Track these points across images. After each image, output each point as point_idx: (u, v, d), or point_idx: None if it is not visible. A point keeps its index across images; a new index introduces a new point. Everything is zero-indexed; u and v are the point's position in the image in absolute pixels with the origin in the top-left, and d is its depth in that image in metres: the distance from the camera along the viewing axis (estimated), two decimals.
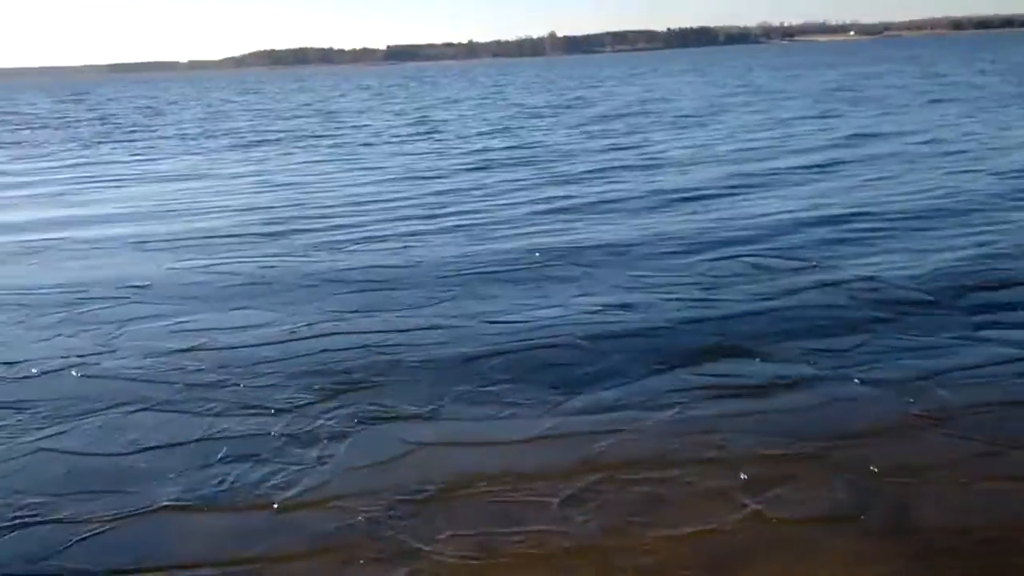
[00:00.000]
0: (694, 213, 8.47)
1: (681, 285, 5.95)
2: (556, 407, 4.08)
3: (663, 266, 6.49)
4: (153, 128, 24.23)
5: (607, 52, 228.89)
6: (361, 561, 2.97)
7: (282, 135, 20.22)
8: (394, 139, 18.10)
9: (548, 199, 9.70)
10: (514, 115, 23.79)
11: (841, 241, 7.01)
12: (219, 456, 3.72)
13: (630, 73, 57.91)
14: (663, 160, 12.53)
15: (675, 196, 9.44)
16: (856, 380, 4.20)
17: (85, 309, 5.92)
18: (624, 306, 5.53)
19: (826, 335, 4.81)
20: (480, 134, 18.39)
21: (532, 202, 9.55)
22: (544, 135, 17.39)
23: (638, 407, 4.03)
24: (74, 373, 4.72)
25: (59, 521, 3.22)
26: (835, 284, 5.80)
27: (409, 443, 3.77)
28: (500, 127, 19.94)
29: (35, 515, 3.26)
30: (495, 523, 3.14)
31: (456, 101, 32.95)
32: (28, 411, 4.19)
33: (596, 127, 18.63)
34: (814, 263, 6.37)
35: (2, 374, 4.67)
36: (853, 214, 7.98)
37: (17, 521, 3.22)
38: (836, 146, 13.13)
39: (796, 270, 6.23)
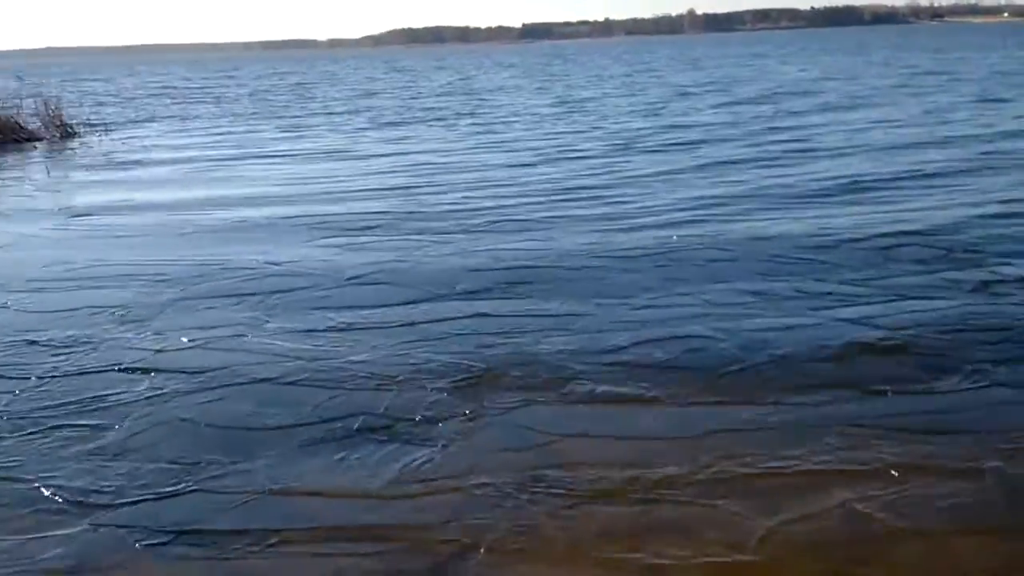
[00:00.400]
0: (857, 205, 7.96)
1: (862, 293, 5.50)
2: (696, 402, 4.01)
3: (835, 268, 5.96)
4: (300, 105, 24.98)
5: (747, 30, 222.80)
6: (487, 546, 2.98)
7: (424, 114, 20.49)
8: (535, 118, 18.07)
9: (695, 185, 9.37)
10: (658, 94, 23.30)
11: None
12: (352, 433, 3.82)
13: (777, 52, 55.92)
14: (817, 146, 11.97)
15: (834, 185, 8.94)
16: None
17: (230, 286, 6.15)
18: (760, 294, 5.37)
19: None
20: (624, 113, 18.17)
21: (677, 187, 9.27)
22: (690, 116, 16.94)
23: (782, 403, 3.93)
24: (220, 347, 4.94)
25: (203, 490, 3.39)
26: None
27: (544, 432, 3.75)
28: (644, 107, 19.62)
29: (181, 481, 3.44)
30: (630, 518, 3.12)
31: (598, 79, 32.63)
32: (177, 381, 4.42)
33: (745, 108, 17.96)
34: (1003, 261, 5.93)
35: (151, 346, 4.93)
36: None
37: (167, 487, 3.41)
38: (1009, 135, 12.18)
39: (976, 266, 5.83)
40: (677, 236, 7.01)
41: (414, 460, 3.52)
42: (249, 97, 29.38)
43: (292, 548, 2.98)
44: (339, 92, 31.13)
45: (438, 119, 19.10)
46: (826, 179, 9.32)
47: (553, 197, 9.02)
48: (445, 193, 9.48)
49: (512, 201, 8.87)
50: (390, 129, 17.03)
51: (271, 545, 2.99)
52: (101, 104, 26.97)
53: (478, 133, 15.62)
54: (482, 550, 2.93)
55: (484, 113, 19.91)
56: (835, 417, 3.78)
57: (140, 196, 10.09)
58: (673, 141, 13.17)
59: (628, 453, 3.53)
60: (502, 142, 14.16)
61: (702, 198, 8.58)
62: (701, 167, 10.57)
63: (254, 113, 22.38)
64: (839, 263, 6.05)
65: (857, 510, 3.08)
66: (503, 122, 17.50)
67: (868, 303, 5.21)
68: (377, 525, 3.09)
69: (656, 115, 17.51)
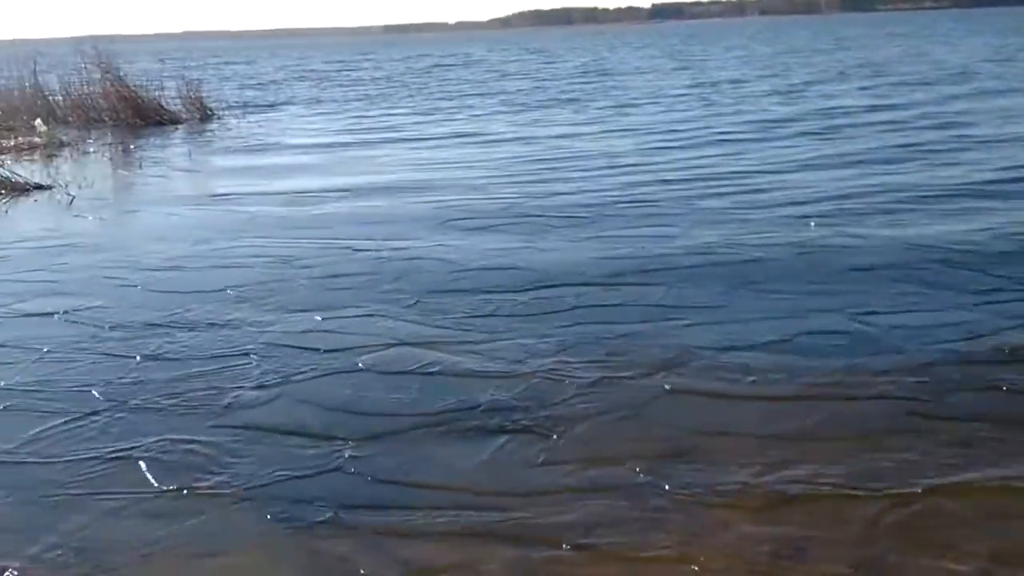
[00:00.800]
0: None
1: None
2: (822, 371, 4.05)
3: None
4: (435, 88, 25.22)
5: (888, 10, 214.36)
6: (622, 505, 3.07)
7: (558, 95, 20.46)
8: (670, 100, 17.82)
9: (835, 175, 8.95)
10: (802, 76, 22.55)
11: None
12: (478, 394, 3.99)
13: (923, 32, 53.55)
14: (974, 134, 11.34)
15: (995, 179, 8.39)
16: None
17: (360, 269, 6.29)
18: (913, 292, 5.16)
19: None
20: (762, 96, 17.74)
21: (816, 176, 8.91)
22: (834, 100, 16.30)
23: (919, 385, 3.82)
24: (354, 316, 5.20)
25: (337, 471, 3.48)
26: None
27: (683, 427, 3.73)
28: (785, 89, 19.08)
29: (314, 463, 3.53)
30: (755, 479, 3.19)
31: (735, 60, 31.88)
32: (308, 363, 4.54)
33: (900, 95, 16.91)
34: None
35: (283, 327, 5.10)
36: None
37: (299, 468, 3.51)
38: None
39: None
40: (815, 226, 6.80)
41: (547, 451, 3.51)
42: (385, 80, 29.77)
43: (422, 535, 2.99)
44: (472, 74, 31.33)
45: (571, 100, 19.07)
46: (989, 171, 8.77)
47: (686, 183, 8.87)
48: (576, 178, 9.46)
49: (645, 188, 8.76)
50: (523, 112, 17.07)
51: (402, 532, 3.00)
52: (240, 87, 27.83)
53: (612, 116, 15.54)
54: (607, 547, 2.88)
55: (618, 95, 19.75)
56: (988, 417, 3.63)
57: (274, 179, 10.44)
58: (814, 128, 12.69)
59: (771, 451, 3.44)
60: (636, 125, 14.03)
61: (844, 189, 8.19)
62: (841, 156, 10.13)
63: (389, 96, 22.71)
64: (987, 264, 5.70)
65: None
66: (637, 104, 17.34)
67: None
68: (510, 519, 3.06)
69: (799, 98, 16.97)
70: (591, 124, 14.47)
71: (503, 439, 3.59)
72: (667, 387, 4.01)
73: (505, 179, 9.61)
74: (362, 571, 2.80)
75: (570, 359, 4.37)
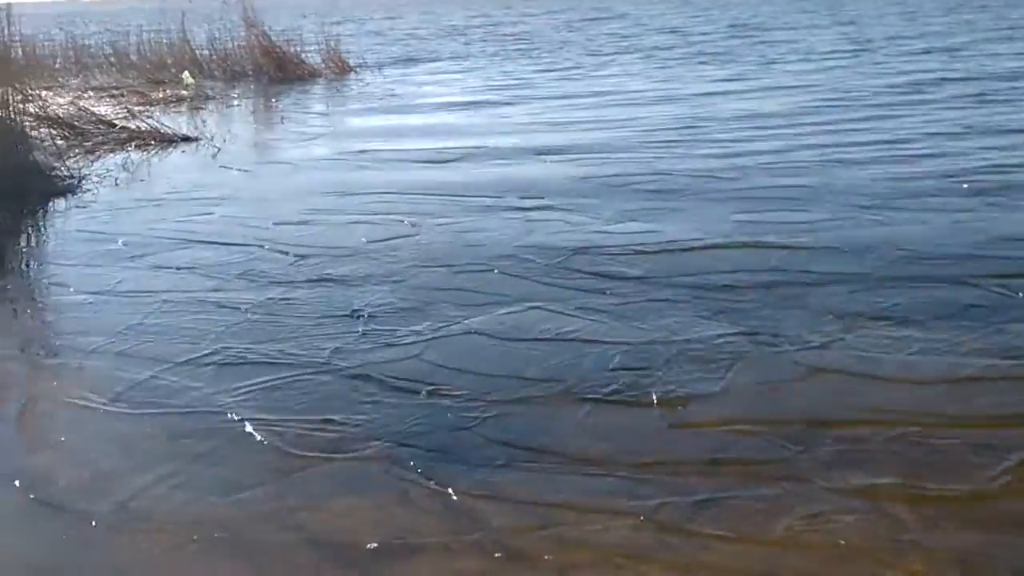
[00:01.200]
0: None
1: None
2: (978, 348, 3.90)
3: None
4: (582, 44, 24.76)
5: None
6: (753, 482, 3.03)
7: (709, 50, 19.90)
8: (819, 57, 17.07)
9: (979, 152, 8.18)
10: (965, 33, 21.13)
11: None
12: (613, 361, 3.99)
13: None
14: None
15: None
16: None
17: (493, 213, 6.53)
18: None
19: None
20: (915, 53, 16.84)
21: (968, 151, 8.19)
22: (999, 63, 15.03)
23: None
24: (493, 271, 5.32)
25: (473, 399, 3.66)
26: None
27: (806, 368, 3.80)
28: (944, 46, 17.96)
29: (456, 391, 3.73)
30: (905, 463, 3.09)
31: (895, 15, 30.19)
32: (455, 299, 4.83)
33: None
34: None
35: (423, 265, 5.33)
36: None
37: (453, 397, 3.72)
38: None
39: None
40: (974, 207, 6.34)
41: (680, 419, 3.49)
42: (527, 35, 29.56)
43: (553, 497, 3.00)
44: (617, 28, 30.71)
45: (717, 53, 18.62)
46: None
47: (829, 147, 8.50)
48: (724, 140, 9.20)
49: (779, 137, 8.79)
50: (667, 67, 16.75)
51: (534, 494, 3.02)
52: (381, 42, 28.15)
53: (759, 76, 15.00)
54: (738, 524, 2.84)
55: (767, 50, 19.08)
56: None
57: (412, 137, 10.57)
58: (966, 94, 11.61)
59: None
60: (783, 85, 13.54)
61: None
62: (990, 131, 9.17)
63: (529, 52, 22.52)
64: None
65: None
66: (786, 61, 16.71)
67: None
68: (640, 490, 3.02)
69: (956, 58, 15.92)
70: (738, 80, 14.11)
71: (635, 407, 3.58)
72: (811, 363, 3.88)
73: (648, 141, 9.37)
74: (495, 524, 2.86)
75: (723, 329, 4.27)
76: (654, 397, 3.63)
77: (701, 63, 17.39)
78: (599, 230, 6.02)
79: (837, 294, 4.65)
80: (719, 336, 4.18)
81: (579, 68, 17.73)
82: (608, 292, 4.84)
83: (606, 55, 20.43)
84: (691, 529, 2.80)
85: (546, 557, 2.69)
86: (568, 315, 4.54)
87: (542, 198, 6.93)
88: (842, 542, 2.68)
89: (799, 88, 12.86)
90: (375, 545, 2.78)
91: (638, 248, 5.58)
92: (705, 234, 5.82)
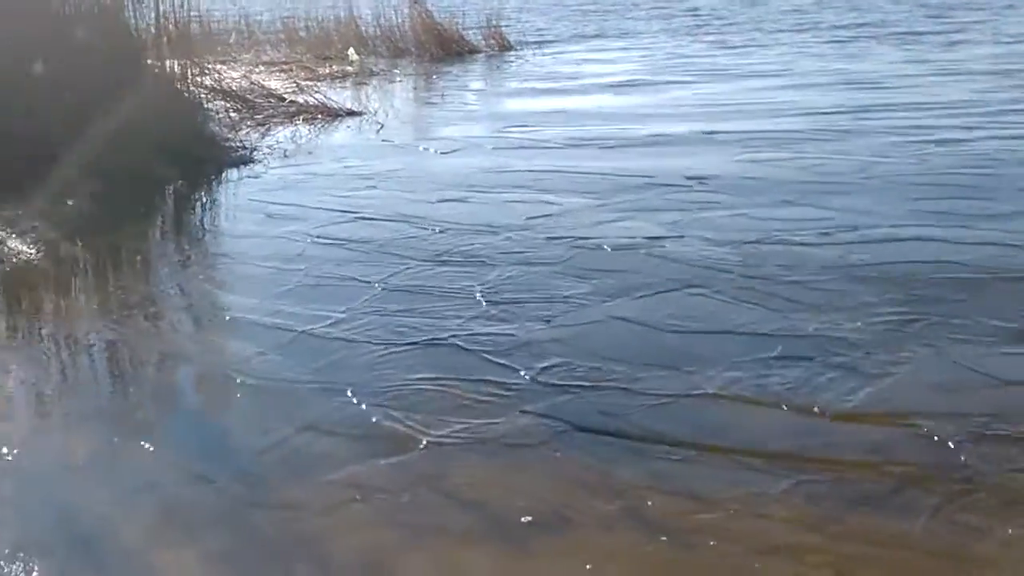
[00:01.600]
0: None
1: None
2: None
3: None
4: (742, 19, 24.18)
5: None
6: (913, 483, 2.94)
7: (874, 29, 18.98)
8: (1007, 38, 15.97)
9: None
10: None
11: None
12: (773, 352, 3.90)
13: None
14: None
15: None
16: None
17: (653, 195, 6.46)
18: None
19: None
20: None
21: None
22: None
23: None
24: (640, 252, 5.27)
25: (620, 388, 3.65)
26: None
27: (979, 372, 3.61)
28: None
29: (606, 378, 3.74)
30: None
31: None
32: (598, 282, 4.79)
33: None
34: None
35: (577, 246, 5.35)
36: None
37: (590, 382, 3.73)
38: None
39: None
40: None
41: (845, 386, 3.52)
42: (693, 10, 28.98)
43: (711, 459, 3.11)
44: (800, 2, 29.52)
45: (889, 36, 17.54)
46: None
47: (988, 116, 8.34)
48: (874, 114, 8.94)
49: (956, 119, 8.32)
50: (843, 46, 16.05)
51: (688, 457, 3.13)
52: (543, 18, 28.15)
53: (926, 53, 14.23)
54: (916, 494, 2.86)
55: (941, 32, 17.79)
56: None
57: (573, 120, 10.43)
58: None
59: None
60: (952, 62, 12.80)
61: None
62: None
63: (696, 29, 22.00)
64: None
65: None
66: (957, 43, 15.60)
67: None
68: (800, 478, 3.01)
69: None
70: (915, 63, 13.31)
71: (797, 369, 3.62)
72: (996, 367, 3.66)
73: (823, 131, 8.78)
74: (654, 508, 2.89)
75: (875, 294, 4.27)
76: (819, 394, 3.53)
77: (881, 43, 16.59)
78: (769, 216, 5.81)
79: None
80: (896, 330, 4.01)
81: (748, 47, 17.19)
82: (781, 280, 4.67)
83: (781, 31, 19.78)
84: (853, 525, 2.74)
85: (711, 543, 2.69)
86: (721, 300, 4.46)
87: (705, 181, 6.78)
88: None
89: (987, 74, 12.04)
90: (529, 519, 2.85)
91: (809, 239, 5.34)
92: (885, 222, 5.55)
